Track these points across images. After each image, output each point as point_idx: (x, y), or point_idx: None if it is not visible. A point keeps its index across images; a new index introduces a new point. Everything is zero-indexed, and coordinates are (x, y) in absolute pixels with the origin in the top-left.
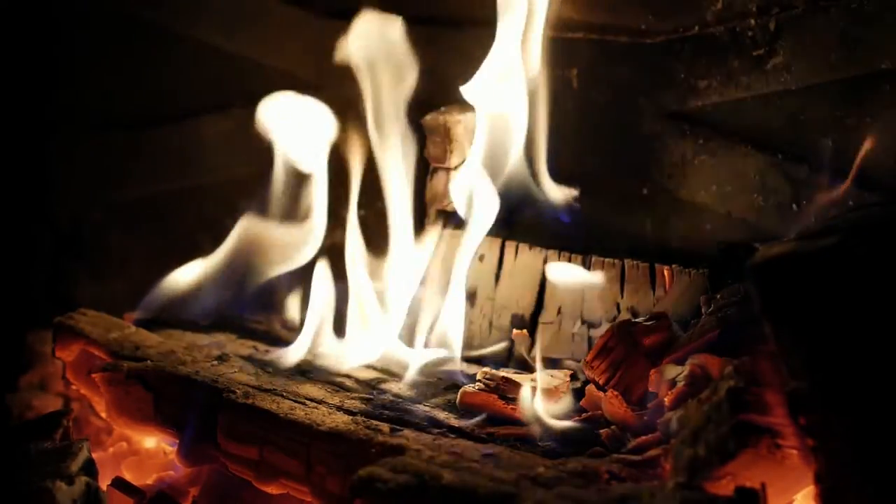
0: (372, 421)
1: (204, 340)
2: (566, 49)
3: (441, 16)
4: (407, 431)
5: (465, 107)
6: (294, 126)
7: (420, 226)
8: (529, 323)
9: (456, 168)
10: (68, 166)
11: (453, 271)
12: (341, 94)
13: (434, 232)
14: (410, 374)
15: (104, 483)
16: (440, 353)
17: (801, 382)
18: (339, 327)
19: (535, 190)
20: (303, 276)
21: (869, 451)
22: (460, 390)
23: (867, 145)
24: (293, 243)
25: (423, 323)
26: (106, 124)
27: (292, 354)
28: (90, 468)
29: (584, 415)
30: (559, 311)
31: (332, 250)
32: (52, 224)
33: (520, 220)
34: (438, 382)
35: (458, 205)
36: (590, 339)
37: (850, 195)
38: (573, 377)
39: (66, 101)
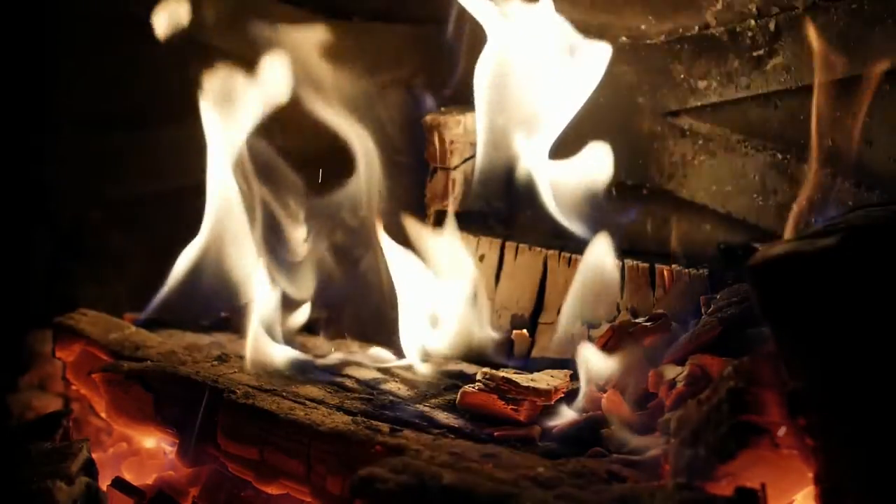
0: (372, 421)
1: (204, 340)
2: None
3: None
4: (407, 432)
5: (465, 108)
6: None
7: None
8: (529, 323)
9: (455, 168)
10: (68, 166)
11: None
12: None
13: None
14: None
15: (104, 483)
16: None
17: (801, 383)
18: None
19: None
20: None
21: (868, 452)
22: (460, 390)
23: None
24: None
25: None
26: (105, 124)
27: None
28: (90, 468)
29: (584, 415)
30: (559, 312)
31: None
32: (51, 224)
33: (520, 219)
34: (439, 382)
35: None
36: (590, 339)
37: (851, 195)
38: (573, 377)
39: (65, 100)
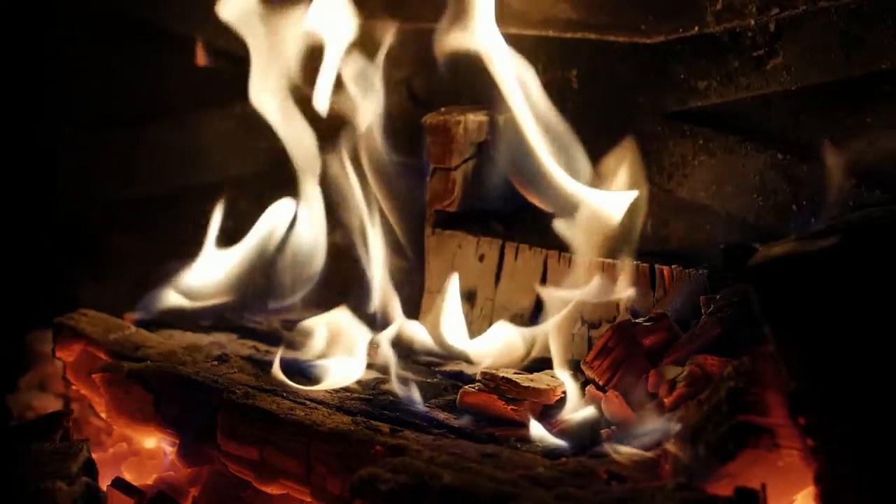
0: (372, 421)
1: (204, 341)
2: (566, 49)
3: None
4: (407, 432)
5: (465, 107)
6: None
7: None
8: (529, 324)
9: (456, 168)
10: (69, 166)
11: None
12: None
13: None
14: None
15: (104, 483)
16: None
17: (801, 383)
18: None
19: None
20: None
21: (868, 452)
22: (460, 390)
23: None
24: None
25: None
26: (106, 124)
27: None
28: (90, 469)
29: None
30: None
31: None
32: (52, 224)
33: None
34: (439, 382)
35: None
36: (590, 339)
37: (851, 195)
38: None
39: (66, 101)
